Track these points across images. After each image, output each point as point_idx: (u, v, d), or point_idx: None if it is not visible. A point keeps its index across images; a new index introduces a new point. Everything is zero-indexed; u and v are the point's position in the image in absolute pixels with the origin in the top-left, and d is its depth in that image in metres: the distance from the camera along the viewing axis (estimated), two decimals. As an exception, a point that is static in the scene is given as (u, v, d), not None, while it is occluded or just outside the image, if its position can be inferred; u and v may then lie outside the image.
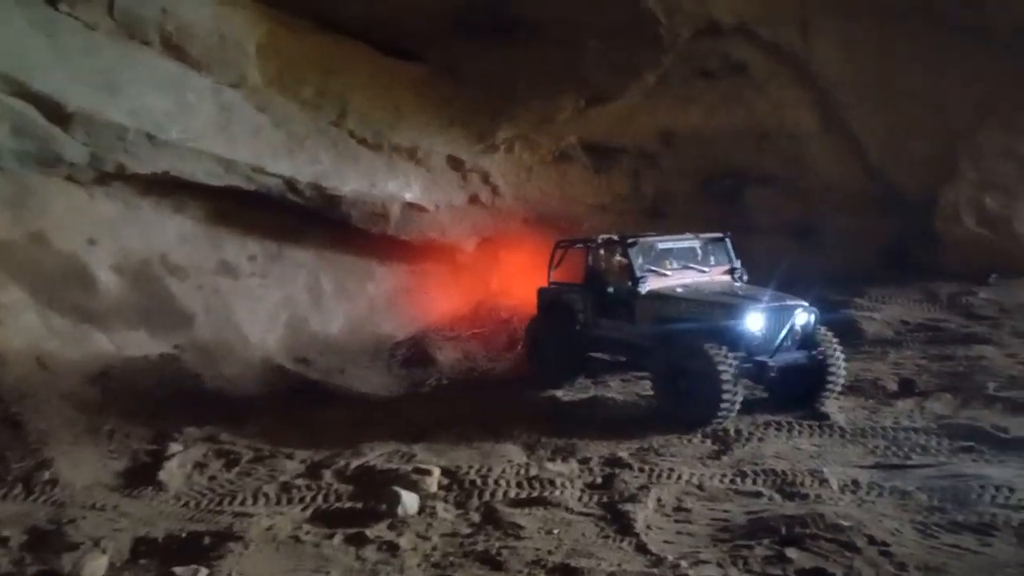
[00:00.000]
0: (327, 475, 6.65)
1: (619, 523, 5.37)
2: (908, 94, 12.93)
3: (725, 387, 7.21)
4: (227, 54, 10.90)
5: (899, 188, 13.51)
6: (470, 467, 6.51)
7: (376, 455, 7.06)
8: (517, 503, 5.85)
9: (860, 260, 13.18)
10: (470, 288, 13.79)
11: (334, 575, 4.85)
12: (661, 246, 8.89)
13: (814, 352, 7.92)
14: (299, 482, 6.55)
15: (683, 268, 8.83)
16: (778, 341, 7.75)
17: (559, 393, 9.19)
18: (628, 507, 5.59)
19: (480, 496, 5.99)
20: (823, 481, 5.86)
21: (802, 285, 12.49)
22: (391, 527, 5.47)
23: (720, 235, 9.33)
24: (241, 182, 11.20)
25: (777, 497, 5.70)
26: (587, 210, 14.27)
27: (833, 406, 7.89)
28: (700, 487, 6.04)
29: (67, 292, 9.84)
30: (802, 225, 13.83)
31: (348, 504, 6.03)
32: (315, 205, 11.98)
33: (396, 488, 5.83)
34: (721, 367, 7.23)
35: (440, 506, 5.79)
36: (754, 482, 6.05)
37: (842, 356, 8.03)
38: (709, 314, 7.81)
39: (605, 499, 5.85)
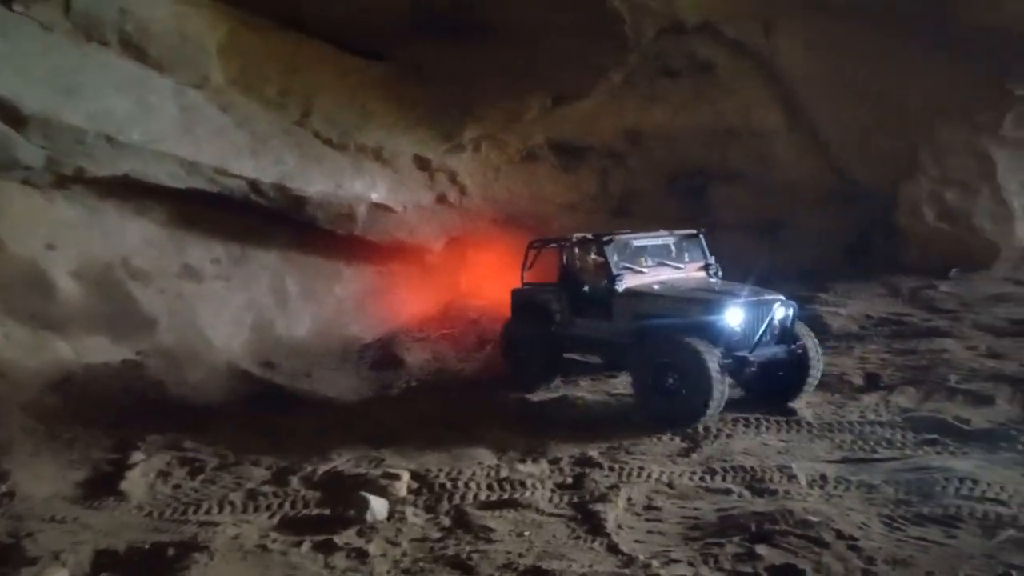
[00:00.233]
0: (294, 481, 6.55)
1: (590, 523, 5.35)
2: (870, 92, 13.10)
3: (714, 382, 7.15)
4: (188, 54, 10.75)
5: (862, 184, 13.69)
6: (440, 470, 6.46)
7: (344, 460, 6.97)
8: (487, 506, 5.81)
9: (825, 255, 13.34)
10: (439, 289, 13.72)
11: (302, 583, 4.78)
12: (636, 243, 8.82)
13: (793, 346, 7.93)
14: (266, 489, 6.44)
15: (658, 265, 8.77)
16: (758, 336, 7.71)
17: (527, 394, 9.13)
18: (599, 507, 5.58)
19: (450, 499, 5.94)
20: (792, 477, 5.89)
21: (768, 281, 12.70)
22: (360, 533, 5.40)
23: (694, 231, 9.29)
24: (204, 184, 11.04)
25: (747, 494, 5.72)
26: (555, 209, 14.27)
27: (800, 401, 7.95)
28: (670, 485, 6.04)
29: (25, 299, 9.61)
30: (768, 222, 13.94)
31: (316, 511, 5.94)
32: (280, 206, 11.84)
33: (364, 493, 5.75)
34: (709, 362, 7.18)
35: (410, 511, 5.72)
36: (723, 479, 6.07)
37: (819, 350, 8.07)
38: (688, 310, 7.75)
39: (576, 499, 5.83)
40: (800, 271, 12.54)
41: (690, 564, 4.62)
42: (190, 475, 6.92)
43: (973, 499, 5.26)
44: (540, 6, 11.42)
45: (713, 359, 7.22)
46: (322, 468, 6.78)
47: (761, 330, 7.73)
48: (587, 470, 6.41)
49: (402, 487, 6.12)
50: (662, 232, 9.16)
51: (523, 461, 6.70)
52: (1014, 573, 4.22)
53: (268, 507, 6.11)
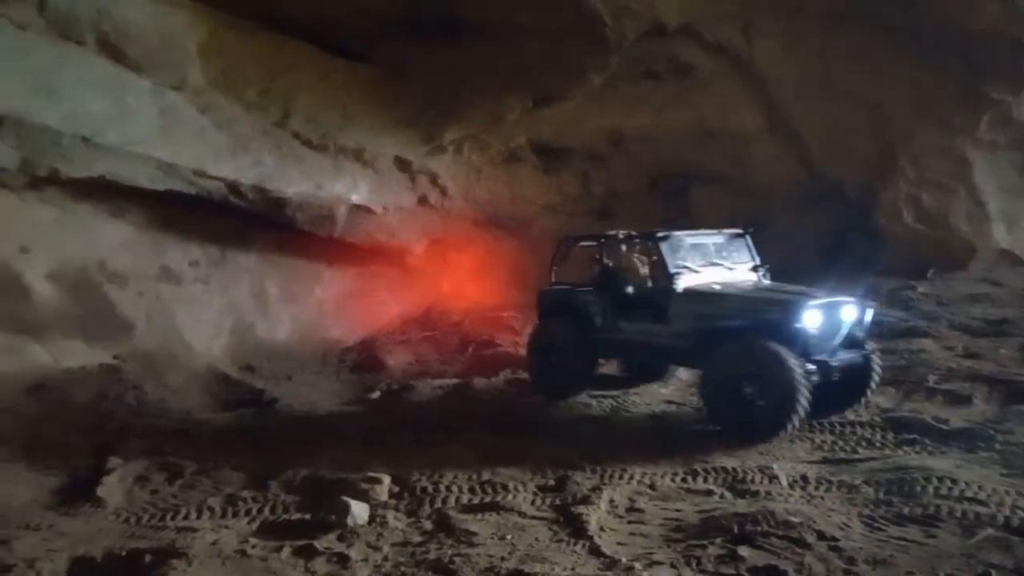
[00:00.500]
0: (274, 486, 6.48)
1: (572, 526, 5.33)
2: (848, 94, 13.23)
3: (799, 392, 6.59)
4: (167, 55, 10.65)
5: (841, 185, 13.82)
6: (421, 474, 6.41)
7: (325, 464, 6.91)
8: (469, 509, 5.78)
9: (803, 256, 13.39)
10: (420, 291, 13.70)
11: (282, 589, 4.73)
12: (690, 241, 8.19)
13: (865, 350, 7.52)
14: (245, 494, 6.37)
15: (710, 264, 8.13)
16: (838, 339, 7.25)
17: (510, 395, 9.11)
18: (581, 509, 5.56)
19: (432, 503, 5.90)
20: (773, 478, 5.91)
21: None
22: (341, 538, 5.34)
23: (740, 231, 8.69)
24: (182, 186, 10.95)
25: (728, 495, 5.73)
26: (537, 211, 14.29)
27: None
28: (652, 487, 6.04)
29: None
30: (748, 222, 13.97)
31: (296, 515, 5.88)
32: (259, 208, 11.77)
33: (345, 498, 5.70)
34: (794, 369, 6.61)
35: (391, 515, 5.68)
36: (705, 480, 6.07)
37: (879, 354, 7.73)
38: (761, 312, 7.17)
39: (558, 502, 5.81)
40: (779, 272, 12.55)
41: (672, 566, 4.61)
42: (168, 480, 6.84)
43: (952, 498, 5.30)
44: (522, 8, 11.42)
45: (798, 366, 6.66)
46: (302, 472, 6.71)
47: (843, 333, 7.28)
48: (569, 472, 6.39)
49: (383, 491, 6.08)
50: (712, 230, 8.62)
51: (505, 464, 6.66)
52: (993, 572, 4.24)
53: (248, 512, 6.04)
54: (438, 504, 5.88)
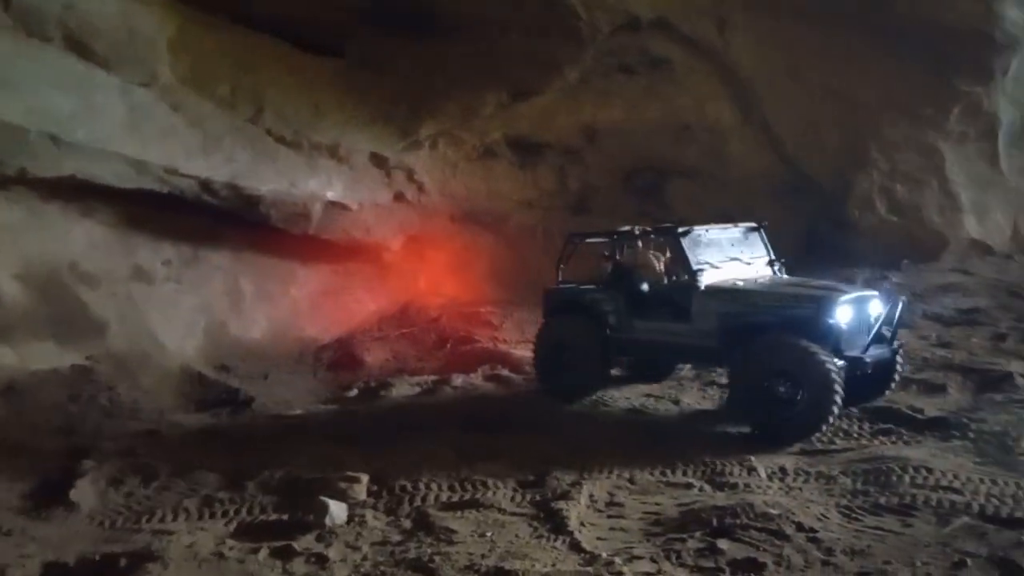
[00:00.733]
0: (251, 487, 6.40)
1: (552, 521, 5.32)
2: (821, 88, 13.34)
3: (836, 389, 6.39)
4: (136, 51, 10.46)
5: (815, 178, 13.93)
6: (400, 472, 6.36)
7: (302, 463, 6.84)
8: (449, 506, 5.75)
9: (778, 249, 13.47)
10: (397, 287, 13.61)
11: (260, 592, 4.68)
12: (708, 236, 7.91)
13: (894, 346, 7.36)
14: (222, 495, 6.29)
15: (729, 260, 7.85)
16: (872, 334, 6.99)
17: (486, 391, 9.08)
18: (561, 505, 5.55)
19: (411, 501, 5.86)
20: (751, 470, 5.94)
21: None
22: (319, 538, 5.30)
23: (755, 225, 8.45)
24: (153, 184, 10.78)
25: (707, 488, 5.75)
26: (513, 206, 14.25)
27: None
28: (631, 481, 6.05)
29: (-34, 304, 9.30)
30: (723, 216, 14.04)
31: (274, 516, 5.82)
32: (232, 206, 11.63)
33: (323, 498, 5.65)
34: (831, 367, 6.42)
35: (370, 514, 5.64)
36: (684, 473, 6.09)
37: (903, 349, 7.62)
38: (792, 308, 6.94)
39: (538, 498, 5.80)
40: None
41: (652, 560, 4.62)
42: (143, 482, 6.71)
43: (927, 488, 5.36)
44: (496, 2, 11.38)
45: (833, 364, 6.47)
46: (279, 472, 6.64)
47: (875, 328, 7.02)
48: (548, 468, 6.36)
49: (362, 490, 6.03)
50: (726, 224, 8.33)
51: (484, 460, 6.63)
52: (968, 560, 4.29)
53: (224, 513, 5.97)
54: (417, 502, 5.85)
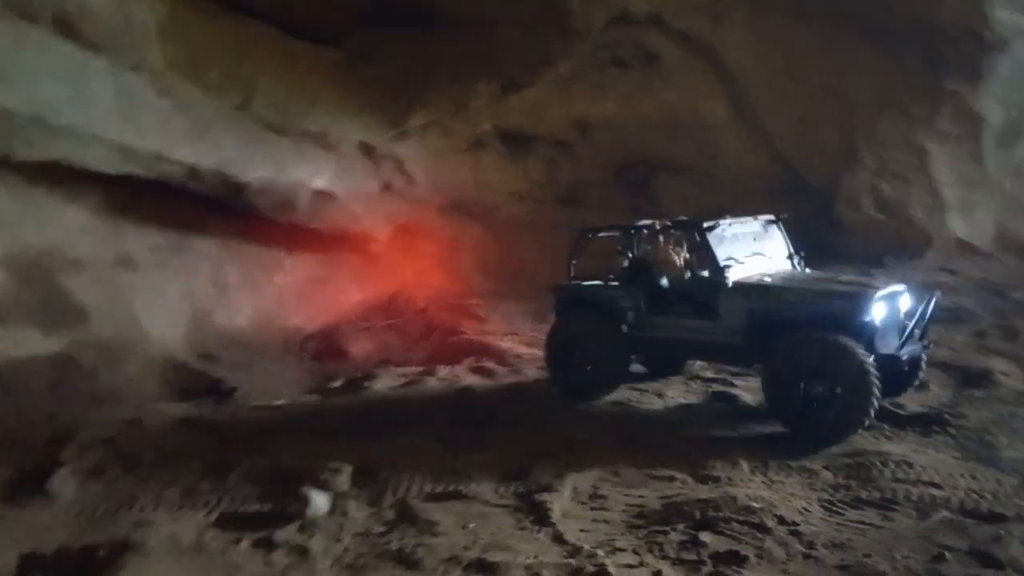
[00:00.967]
0: (233, 477, 6.33)
1: (536, 513, 5.32)
2: (813, 85, 13.36)
3: (875, 387, 6.19)
4: (127, 36, 10.38)
5: (804, 175, 13.95)
6: (383, 463, 6.34)
7: (285, 453, 6.80)
8: (432, 497, 5.73)
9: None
10: (384, 278, 13.56)
11: (241, 582, 4.65)
12: (732, 230, 7.63)
13: (925, 342, 7.17)
14: (203, 485, 6.23)
15: (752, 254, 7.59)
16: (908, 331, 6.80)
17: (472, 383, 9.04)
18: (544, 497, 5.54)
19: (394, 492, 5.83)
20: (734, 463, 5.94)
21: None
22: (301, 529, 5.27)
23: (773, 217, 8.23)
24: (141, 170, 10.74)
25: (690, 480, 5.74)
26: (502, 198, 14.23)
27: (740, 386, 8.03)
28: (615, 473, 6.02)
29: (-54, 289, 9.22)
30: (712, 213, 14.06)
31: (255, 507, 5.77)
32: (219, 193, 11.58)
33: (306, 488, 5.63)
34: (869, 366, 6.20)
35: (352, 505, 5.62)
36: (667, 466, 6.07)
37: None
38: (824, 305, 6.68)
39: (521, 489, 5.78)
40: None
41: (635, 552, 4.62)
42: (124, 472, 6.66)
43: (908, 482, 5.37)
44: (494, -3, 11.38)
45: (871, 361, 6.25)
46: (262, 462, 6.59)
47: (912, 326, 6.86)
48: (532, 460, 6.35)
49: (345, 481, 5.99)
50: (746, 217, 7.99)
51: (468, 451, 6.61)
52: (947, 554, 4.31)
53: (206, 504, 5.93)
54: (400, 493, 5.82)
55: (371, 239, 13.44)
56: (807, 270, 7.97)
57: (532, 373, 9.50)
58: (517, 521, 5.25)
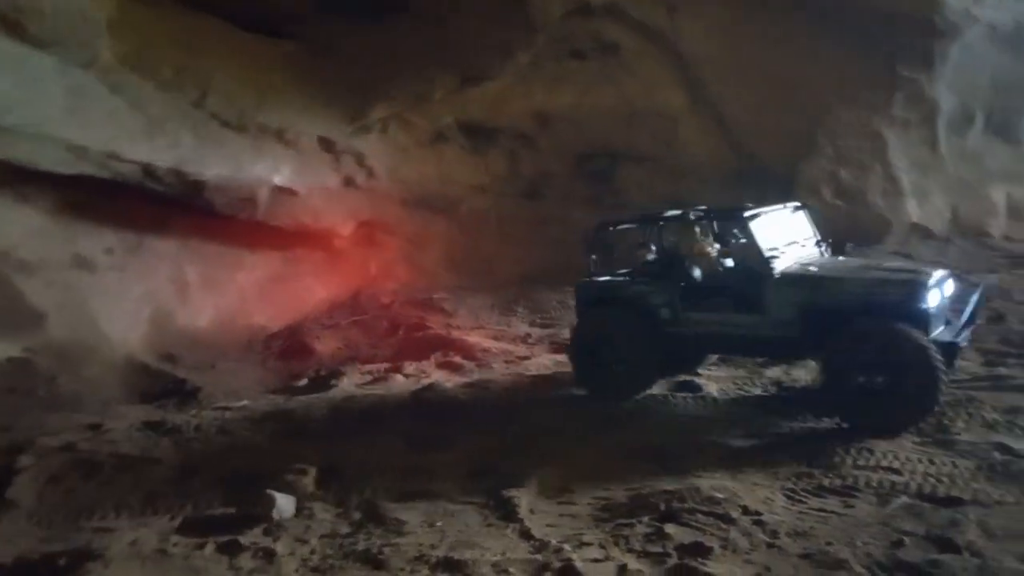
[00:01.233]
0: (196, 480, 6.30)
1: (503, 509, 5.33)
2: (770, 73, 13.46)
3: (941, 376, 6.01)
4: (74, 31, 10.11)
5: (763, 163, 14.06)
6: (349, 462, 6.31)
7: (249, 455, 6.74)
8: (399, 497, 5.71)
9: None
10: (348, 274, 13.46)
11: (205, 587, 4.60)
12: (769, 219, 7.33)
13: (972, 327, 6.91)
14: (166, 489, 6.19)
15: (789, 243, 7.31)
16: (965, 318, 6.64)
17: (438, 379, 9.01)
18: (511, 492, 5.55)
19: (360, 493, 5.81)
20: (699, 453, 5.99)
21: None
22: (266, 532, 5.23)
23: (799, 204, 8.10)
24: (94, 169, 10.51)
25: (655, 472, 5.77)
26: (465, 191, 14.17)
27: (705, 376, 8.11)
28: (581, 465, 6.05)
29: None
30: (673, 201, 14.15)
31: (220, 510, 5.73)
32: (176, 192, 11.38)
33: (270, 491, 5.58)
34: (934, 353, 6.00)
35: (318, 506, 5.59)
36: (633, 457, 6.10)
37: None
38: (879, 294, 6.47)
39: (488, 485, 5.78)
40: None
41: (601, 546, 4.65)
42: (84, 478, 6.57)
43: (868, 468, 5.46)
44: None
45: (935, 351, 6.04)
46: (226, 465, 6.54)
47: (969, 311, 6.72)
48: (499, 455, 6.37)
49: (310, 482, 5.97)
50: (777, 205, 7.72)
51: (435, 449, 6.61)
52: (906, 539, 4.39)
53: (168, 508, 5.88)
54: (367, 493, 5.80)
55: (334, 235, 13.32)
56: (840, 257, 7.81)
57: (499, 367, 9.51)
58: (484, 518, 5.26)
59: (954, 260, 12.46)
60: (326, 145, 12.85)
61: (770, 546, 4.47)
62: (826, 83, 13.45)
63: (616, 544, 4.66)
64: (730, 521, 4.77)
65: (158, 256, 11.70)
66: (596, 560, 4.49)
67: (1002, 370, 7.50)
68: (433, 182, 13.96)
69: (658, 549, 4.55)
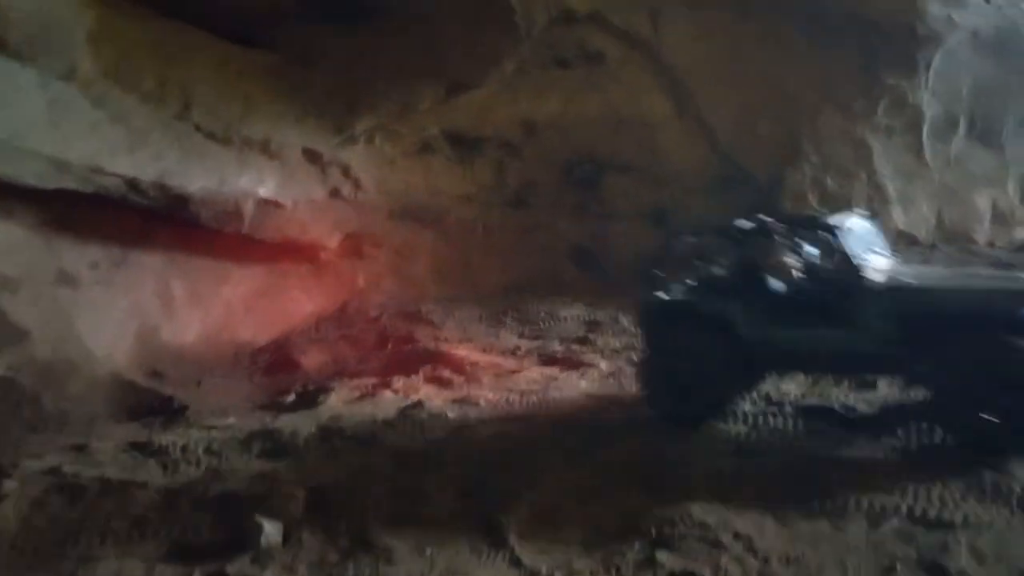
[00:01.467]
0: (184, 505, 6.22)
1: (493, 535, 5.31)
2: (754, 80, 13.49)
3: None
4: (54, 42, 9.98)
5: (747, 171, 14.10)
6: (338, 485, 6.26)
7: (237, 478, 6.67)
8: (388, 521, 5.67)
9: (713, 241, 13.60)
10: (335, 287, 13.33)
11: (192, 621, 4.55)
12: (856, 227, 7.12)
13: None
14: (152, 515, 6.11)
15: (872, 252, 7.01)
16: None
17: (429, 395, 8.95)
18: (502, 518, 5.53)
19: (349, 518, 5.76)
20: (688, 475, 5.97)
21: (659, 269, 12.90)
22: (254, 560, 5.21)
23: (866, 212, 7.89)
24: (76, 184, 10.37)
25: (646, 495, 5.75)
26: (452, 201, 14.09)
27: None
28: (572, 487, 6.03)
29: None
30: (658, 209, 14.19)
31: (207, 537, 5.67)
32: (161, 205, 11.26)
33: (258, 517, 5.52)
34: None
35: (306, 533, 5.54)
36: (624, 479, 6.08)
37: None
38: (987, 304, 6.17)
39: (479, 510, 5.75)
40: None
41: (591, 574, 4.63)
42: (69, 503, 6.46)
43: (858, 489, 5.45)
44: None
45: None
46: (214, 488, 6.47)
47: None
48: (491, 476, 6.32)
49: (298, 506, 5.91)
50: (848, 213, 7.47)
51: (425, 470, 6.55)
52: (897, 564, 4.40)
53: (155, 535, 5.83)
54: (355, 519, 5.75)
55: (320, 248, 13.19)
56: (928, 266, 7.57)
57: (488, 381, 9.47)
58: (474, 544, 5.24)
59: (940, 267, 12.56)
60: (311, 157, 12.74)
61: (761, 573, 4.46)
62: (810, 90, 13.50)
63: (607, 572, 4.67)
64: (721, 547, 4.77)
65: (143, 270, 11.55)
66: (587, 589, 4.48)
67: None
68: (420, 193, 13.88)
69: (649, 576, 4.54)
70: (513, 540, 5.17)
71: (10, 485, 6.81)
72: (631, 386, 8.60)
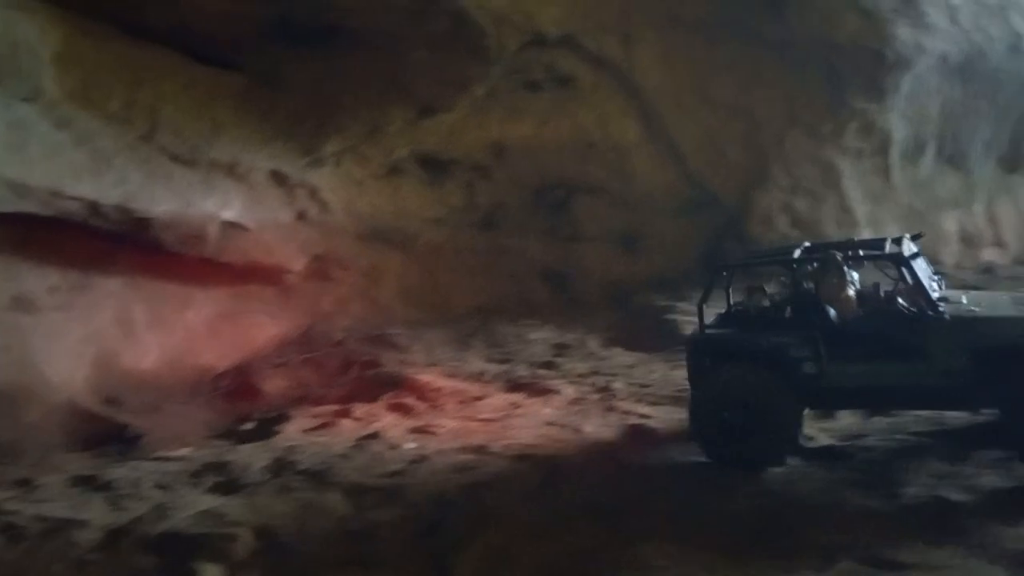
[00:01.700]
0: (127, 546, 6.04)
1: (444, 578, 5.17)
2: (722, 104, 13.59)
3: None
4: (16, 64, 9.82)
5: (716, 194, 14.15)
6: (285, 523, 6.10)
7: (184, 514, 6.49)
8: (337, 564, 5.52)
9: (681, 264, 13.60)
10: (300, 310, 13.17)
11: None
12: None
13: None
14: (94, 557, 5.92)
15: (931, 280, 6.77)
16: None
17: (388, 424, 8.80)
18: (454, 558, 5.40)
19: (296, 559, 5.61)
20: (648, 512, 5.85)
21: (628, 292, 12.91)
22: (194, 608, 5.02)
23: (915, 235, 7.65)
24: (36, 207, 10.20)
25: (602, 535, 5.63)
26: (421, 224, 14.01)
27: (656, 417, 8.01)
28: (527, 525, 5.91)
29: None
30: (628, 232, 14.18)
31: (147, 582, 5.50)
32: (124, 228, 11.09)
33: (197, 562, 5.36)
34: None
35: (249, 576, 5.38)
36: (581, 518, 5.93)
37: None
38: None
39: (431, 550, 5.62)
40: (659, 280, 12.88)
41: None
42: (7, 545, 6.27)
43: (813, 526, 5.38)
44: (402, 16, 11.20)
45: None
46: (159, 527, 6.29)
47: None
48: (445, 513, 6.19)
49: (243, 547, 5.75)
50: (902, 237, 7.16)
51: (377, 507, 6.41)
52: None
53: (96, 578, 5.62)
54: (302, 560, 5.60)
55: (286, 271, 13.03)
56: (960, 291, 7.35)
57: (451, 408, 9.36)
58: (424, 588, 5.10)
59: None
60: (278, 179, 12.62)
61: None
62: (779, 114, 13.60)
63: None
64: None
65: (103, 294, 11.34)
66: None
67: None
68: (388, 215, 13.78)
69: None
70: (463, 583, 5.05)
71: (-52, 524, 6.61)
72: (593, 413, 8.56)
